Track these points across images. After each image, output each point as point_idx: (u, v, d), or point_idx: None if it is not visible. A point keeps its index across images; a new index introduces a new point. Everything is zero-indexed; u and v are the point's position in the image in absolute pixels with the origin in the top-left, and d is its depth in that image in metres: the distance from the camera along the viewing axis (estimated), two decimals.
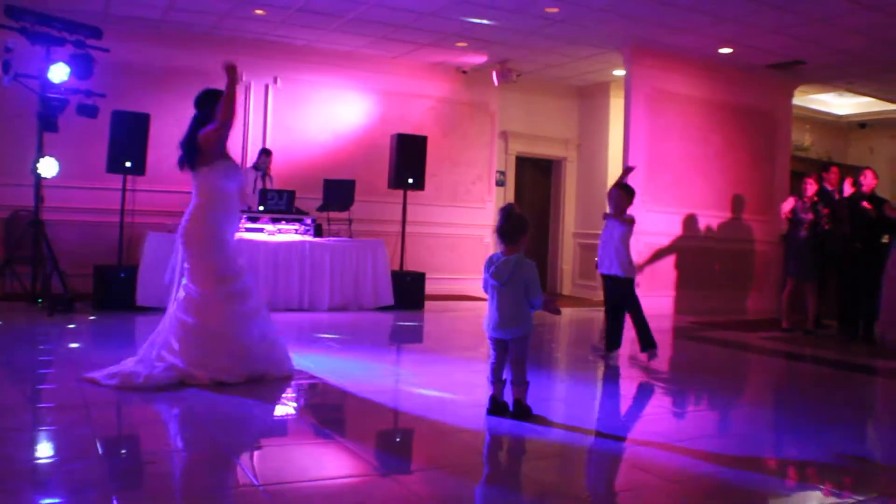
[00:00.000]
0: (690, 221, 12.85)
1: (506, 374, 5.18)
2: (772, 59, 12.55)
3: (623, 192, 7.74)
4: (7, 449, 4.07)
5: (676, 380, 7.27)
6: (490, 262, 5.13)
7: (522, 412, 5.07)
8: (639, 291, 11.91)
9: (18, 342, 7.36)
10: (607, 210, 7.92)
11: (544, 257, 15.24)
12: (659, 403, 6.18)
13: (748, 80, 13.31)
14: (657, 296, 12.35)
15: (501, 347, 5.15)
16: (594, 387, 6.69)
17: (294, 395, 5.79)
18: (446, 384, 6.26)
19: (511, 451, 4.70)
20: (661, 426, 5.32)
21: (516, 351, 5.10)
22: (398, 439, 4.97)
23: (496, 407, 5.14)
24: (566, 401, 6.07)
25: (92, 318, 8.98)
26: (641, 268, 12.22)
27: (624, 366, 7.56)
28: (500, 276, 5.03)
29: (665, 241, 12.62)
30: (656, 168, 12.49)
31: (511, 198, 14.58)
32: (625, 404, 6.06)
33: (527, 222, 5.09)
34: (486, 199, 14.15)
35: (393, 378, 6.63)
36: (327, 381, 6.18)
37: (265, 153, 11.63)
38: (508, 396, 5.18)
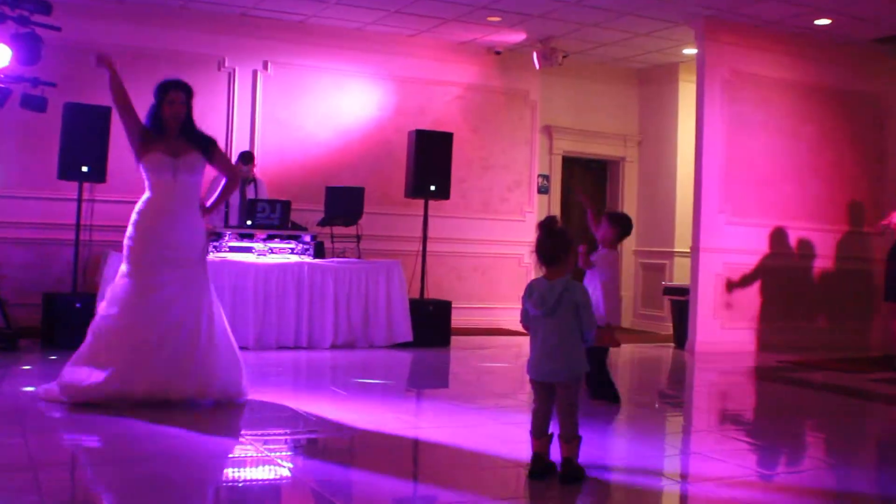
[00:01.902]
0: (779, 235, 12.70)
1: (552, 427, 5.10)
2: (880, 32, 12.45)
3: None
4: None
5: (761, 433, 7.15)
6: (530, 289, 5.12)
7: (573, 474, 4.98)
8: (717, 324, 11.96)
9: None
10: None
11: None
12: (743, 464, 6.05)
13: (850, 58, 13.19)
14: (737, 328, 12.20)
15: (547, 393, 5.10)
16: (661, 443, 6.59)
17: (290, 453, 5.75)
18: (477, 439, 6.19)
19: None
20: (749, 495, 5.20)
21: (566, 397, 5.05)
22: None
23: (540, 467, 5.05)
24: (627, 461, 5.97)
25: (40, 357, 8.97)
26: (730, 289, 12.15)
27: (698, 415, 7.47)
28: (545, 303, 5.01)
29: (748, 261, 12.48)
30: (737, 169, 12.37)
31: (556, 208, 14.50)
32: (700, 465, 5.95)
33: (571, 239, 5.12)
34: (526, 210, 14.09)
35: (411, 431, 6.56)
36: (331, 435, 6.16)
37: (245, 159, 11.49)
38: (555, 454, 5.10)
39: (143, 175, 6.84)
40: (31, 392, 7.22)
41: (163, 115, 6.82)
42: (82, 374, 6.62)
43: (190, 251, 6.83)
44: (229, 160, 7.41)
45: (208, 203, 7.08)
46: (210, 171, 7.18)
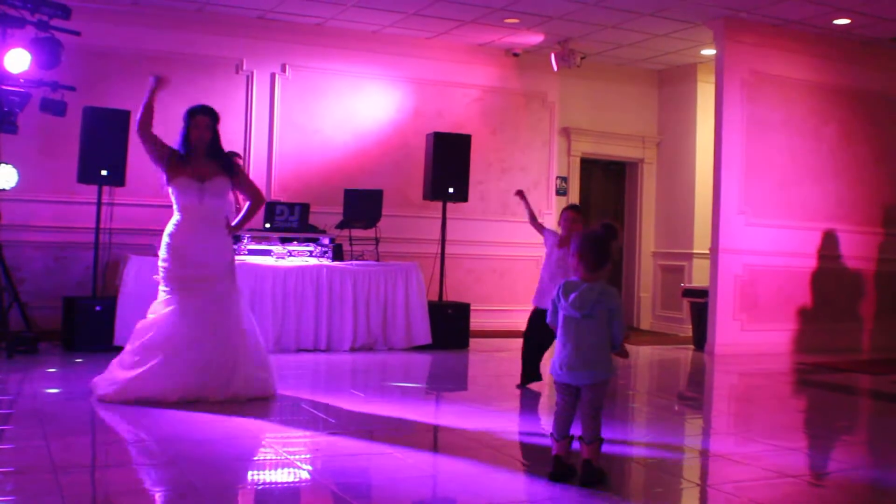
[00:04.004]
0: (800, 237, 12.63)
1: (573, 430, 5.10)
2: None
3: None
4: None
5: (782, 435, 7.12)
6: (566, 288, 5.14)
7: (594, 477, 4.96)
8: (736, 325, 11.92)
9: None
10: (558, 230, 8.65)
11: (617, 283, 15.09)
12: (765, 467, 6.02)
13: (871, 57, 13.12)
14: (757, 330, 12.15)
15: (572, 395, 5.10)
16: (679, 445, 6.57)
17: (310, 455, 5.76)
18: (496, 441, 6.18)
19: None
20: (771, 496, 5.17)
21: (592, 399, 5.06)
22: None
23: (561, 470, 5.04)
24: (646, 464, 5.95)
25: (61, 360, 8.99)
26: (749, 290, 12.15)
27: (718, 417, 7.44)
28: (583, 305, 5.03)
29: (768, 262, 12.42)
30: (756, 170, 12.32)
31: None
32: (722, 469, 5.92)
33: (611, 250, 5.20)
34: (544, 212, 14.05)
35: (430, 434, 6.59)
36: (350, 437, 6.18)
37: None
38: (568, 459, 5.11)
39: (172, 198, 7.24)
40: (75, 389, 7.25)
41: (190, 138, 7.21)
42: (120, 376, 7.04)
43: (218, 268, 7.29)
44: (253, 183, 7.69)
45: (234, 223, 7.49)
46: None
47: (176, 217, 7.25)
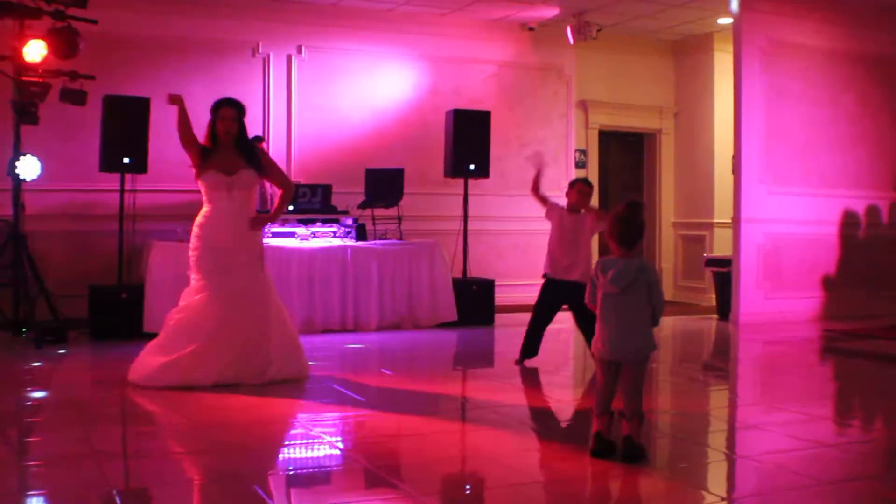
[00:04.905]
0: (821, 205, 12.55)
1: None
2: None
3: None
4: None
5: (812, 403, 7.10)
6: (605, 265, 5.15)
7: (634, 453, 4.95)
8: (760, 294, 11.88)
9: (0, 382, 7.42)
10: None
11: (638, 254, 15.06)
12: (793, 435, 5.99)
13: (890, 24, 13.01)
14: (781, 298, 12.10)
15: (613, 371, 5.10)
16: (706, 414, 6.56)
17: (341, 433, 5.82)
18: (527, 417, 6.20)
19: None
20: (811, 467, 5.15)
21: (633, 376, 5.06)
22: (468, 490, 4.86)
23: (602, 447, 5.03)
24: (673, 434, 5.94)
25: (90, 348, 9.02)
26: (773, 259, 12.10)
27: (745, 387, 7.43)
28: (621, 281, 5.05)
29: (790, 231, 12.36)
30: (776, 139, 12.25)
31: (594, 182, 14.34)
32: (750, 438, 5.90)
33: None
34: (564, 185, 13.97)
35: (459, 410, 6.62)
36: (380, 415, 6.25)
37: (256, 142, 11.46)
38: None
39: (202, 190, 7.34)
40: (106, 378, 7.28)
41: (217, 131, 7.30)
42: (155, 362, 7.09)
43: (248, 256, 7.38)
44: (281, 171, 7.84)
45: (272, 212, 7.77)
46: None
47: (205, 209, 7.33)
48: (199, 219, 7.34)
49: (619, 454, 4.97)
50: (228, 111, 7.31)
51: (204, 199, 7.36)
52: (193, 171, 7.33)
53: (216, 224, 7.27)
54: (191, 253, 7.32)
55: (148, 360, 7.14)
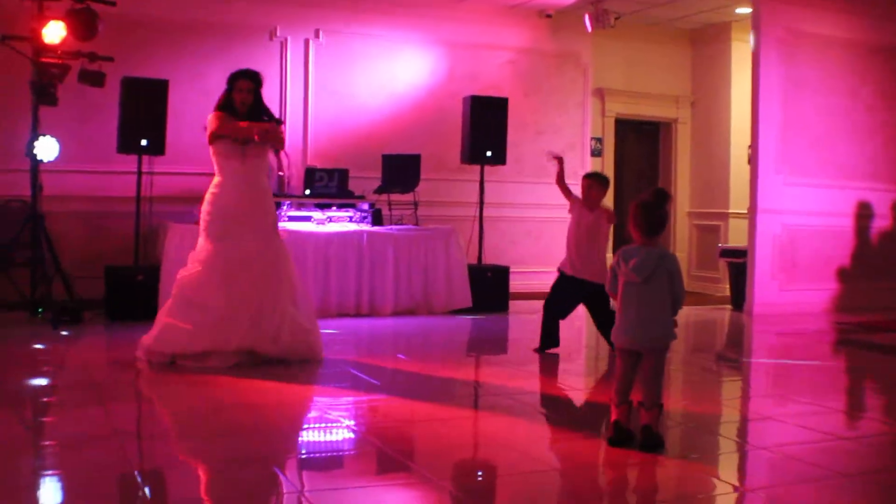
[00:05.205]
0: (837, 196, 12.50)
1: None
2: None
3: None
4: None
5: (825, 395, 7.08)
6: (626, 254, 5.13)
7: (653, 442, 4.95)
8: (775, 285, 11.84)
9: (16, 362, 7.43)
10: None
11: None
12: (807, 426, 5.97)
13: None
14: (796, 290, 12.07)
15: (632, 360, 5.10)
16: (719, 404, 6.54)
17: (356, 416, 5.83)
18: (545, 405, 6.18)
19: (644, 495, 4.57)
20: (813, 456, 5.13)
21: (653, 364, 5.07)
22: (480, 477, 4.85)
23: (621, 436, 5.02)
24: (687, 424, 5.92)
25: (106, 329, 9.04)
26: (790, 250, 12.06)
27: (758, 377, 7.42)
28: (643, 269, 5.03)
29: (806, 222, 12.32)
30: (793, 130, 12.19)
31: (610, 171, 14.34)
32: (763, 429, 5.88)
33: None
34: (580, 173, 13.93)
35: (473, 396, 6.62)
36: (393, 401, 6.27)
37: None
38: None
39: (214, 160, 7.40)
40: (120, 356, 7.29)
41: (233, 101, 7.37)
42: (172, 333, 7.13)
43: (261, 223, 7.39)
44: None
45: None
46: None
47: (217, 178, 7.39)
48: (212, 188, 7.38)
49: (638, 443, 4.97)
50: (245, 83, 7.38)
51: (216, 168, 7.41)
52: (207, 137, 7.36)
53: (229, 192, 7.31)
54: (203, 216, 7.36)
55: (164, 333, 7.16)
